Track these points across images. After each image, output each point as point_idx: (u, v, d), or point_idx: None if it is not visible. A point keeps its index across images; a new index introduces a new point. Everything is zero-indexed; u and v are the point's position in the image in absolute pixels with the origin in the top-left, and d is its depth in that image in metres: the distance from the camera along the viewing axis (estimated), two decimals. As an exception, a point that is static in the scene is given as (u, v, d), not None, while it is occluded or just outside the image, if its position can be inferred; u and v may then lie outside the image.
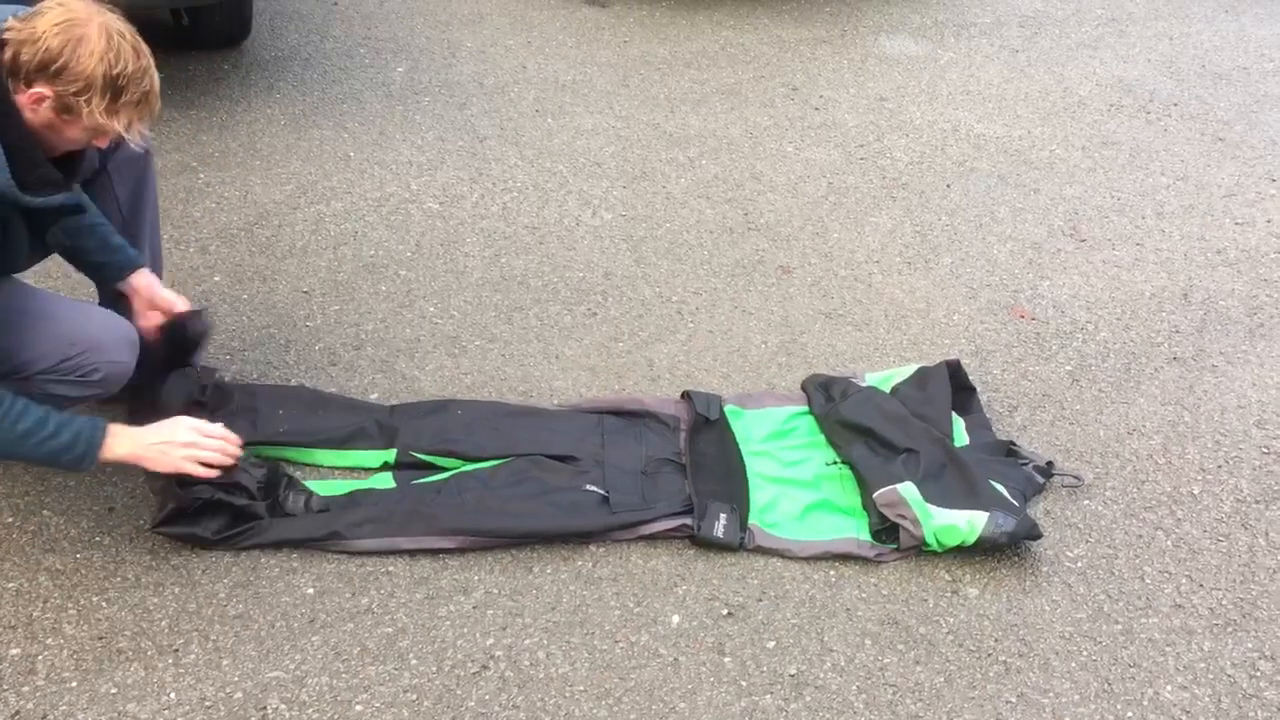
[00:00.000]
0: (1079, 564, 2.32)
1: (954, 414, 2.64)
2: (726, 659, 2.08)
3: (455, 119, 4.16)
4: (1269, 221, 3.74)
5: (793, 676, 2.05)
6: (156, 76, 1.93)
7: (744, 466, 2.48)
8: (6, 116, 1.82)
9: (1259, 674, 2.09)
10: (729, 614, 2.17)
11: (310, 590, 2.18)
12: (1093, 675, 2.07)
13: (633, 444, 2.54)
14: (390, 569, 2.23)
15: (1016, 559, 2.32)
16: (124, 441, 2.10)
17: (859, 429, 2.54)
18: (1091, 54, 5.17)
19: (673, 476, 2.45)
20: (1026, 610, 2.21)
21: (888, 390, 2.70)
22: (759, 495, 2.41)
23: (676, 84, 4.63)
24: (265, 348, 2.86)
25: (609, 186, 3.78)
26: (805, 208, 3.71)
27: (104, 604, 2.12)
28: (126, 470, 2.43)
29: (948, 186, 3.89)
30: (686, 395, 2.68)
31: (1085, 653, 2.12)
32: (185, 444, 2.15)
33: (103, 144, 1.99)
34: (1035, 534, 2.29)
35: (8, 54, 1.81)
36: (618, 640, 2.11)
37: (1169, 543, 2.39)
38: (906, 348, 3.01)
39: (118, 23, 1.86)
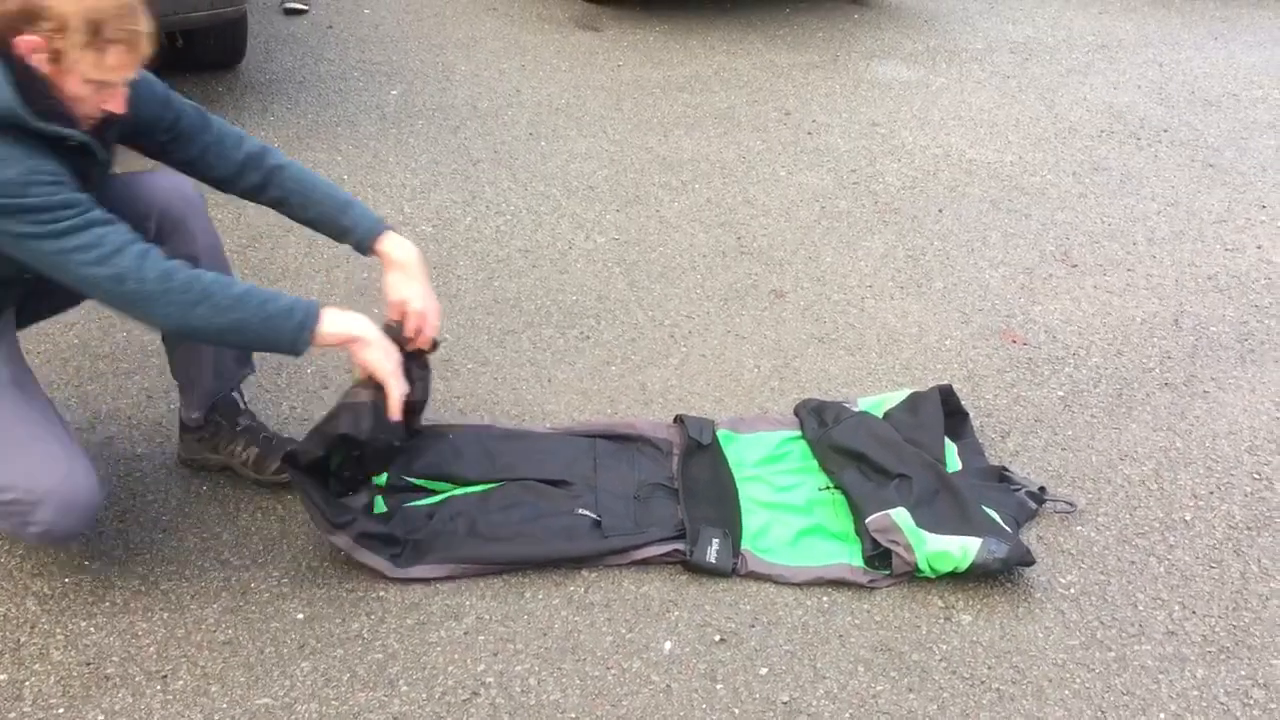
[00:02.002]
0: (1072, 590, 2.32)
1: (946, 439, 2.64)
2: (719, 686, 2.07)
3: (449, 142, 4.17)
4: (1259, 248, 3.76)
5: (785, 704, 2.04)
6: (145, 16, 1.84)
7: (736, 491, 2.48)
8: (9, 55, 1.77)
9: (1252, 702, 2.09)
10: (721, 640, 2.16)
11: (300, 615, 2.16)
12: (1086, 703, 2.06)
13: (625, 468, 2.53)
14: (381, 594, 2.22)
15: (1009, 585, 2.31)
16: (345, 320, 1.99)
17: (852, 454, 2.54)
18: (1082, 80, 5.21)
19: (665, 501, 2.45)
20: (1020, 637, 2.20)
21: (880, 415, 2.70)
22: (751, 520, 2.41)
23: (670, 108, 4.65)
24: (257, 370, 2.84)
25: (602, 210, 3.78)
26: (798, 232, 3.72)
27: (92, 629, 2.10)
28: (115, 495, 2.42)
29: (940, 211, 3.91)
30: (679, 419, 2.68)
31: (1079, 680, 2.11)
32: (395, 370, 2.06)
33: (118, 107, 1.89)
34: (1028, 560, 2.29)
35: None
36: (610, 666, 2.10)
37: (1161, 569, 2.39)
38: (899, 372, 3.01)
39: None
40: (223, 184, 2.19)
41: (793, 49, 5.44)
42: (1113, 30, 5.94)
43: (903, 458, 2.50)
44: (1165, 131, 4.66)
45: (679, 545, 2.32)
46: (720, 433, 2.65)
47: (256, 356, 2.70)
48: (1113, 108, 4.89)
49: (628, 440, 2.63)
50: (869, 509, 2.37)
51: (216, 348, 2.33)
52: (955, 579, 2.30)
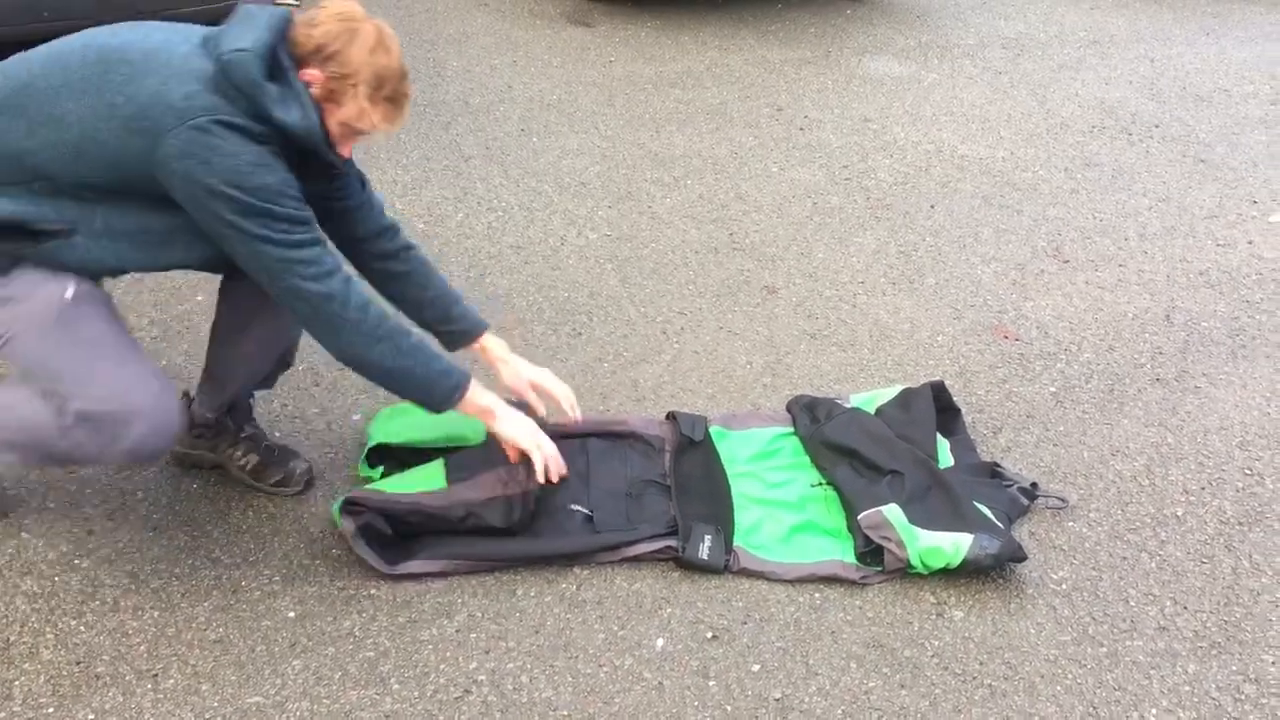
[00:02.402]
0: (1064, 586, 2.32)
1: (938, 435, 2.64)
2: (711, 683, 2.06)
3: (440, 138, 4.16)
4: (1250, 243, 3.76)
5: (778, 700, 2.04)
6: (411, 85, 2.03)
7: (729, 488, 2.47)
8: (300, 82, 1.93)
9: (1243, 697, 2.09)
10: (714, 637, 2.16)
11: (291, 614, 2.16)
12: (1078, 699, 2.07)
13: (617, 465, 2.53)
14: (372, 592, 2.21)
15: (1001, 581, 2.32)
16: (486, 394, 2.19)
17: (844, 450, 2.54)
18: (1074, 76, 5.21)
19: (657, 498, 2.44)
20: (1011, 633, 2.20)
21: (872, 411, 2.70)
22: (744, 517, 2.40)
23: (662, 104, 4.65)
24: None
25: (594, 206, 3.78)
26: (790, 228, 3.72)
27: (82, 628, 2.10)
28: (105, 493, 2.41)
29: (931, 207, 3.91)
30: (671, 416, 2.67)
31: (1070, 676, 2.11)
32: (535, 432, 2.25)
33: (346, 152, 2.05)
34: (1020, 556, 2.29)
35: (290, 35, 1.94)
36: (602, 664, 2.09)
37: (1153, 565, 2.39)
38: (891, 368, 3.01)
39: (388, 28, 2.00)
40: (359, 242, 2.30)
41: (785, 45, 5.44)
42: (1104, 26, 5.94)
43: (895, 454, 2.50)
44: (1157, 127, 4.66)
45: (671, 542, 2.32)
46: (713, 429, 2.64)
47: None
48: (1104, 103, 4.89)
49: (620, 437, 2.62)
50: (861, 505, 2.37)
51: (262, 355, 2.38)
52: (947, 575, 2.30)
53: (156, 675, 2.01)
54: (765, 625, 2.19)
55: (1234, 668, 2.15)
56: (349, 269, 2.09)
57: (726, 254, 3.54)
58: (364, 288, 2.06)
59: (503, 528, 2.28)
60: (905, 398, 2.72)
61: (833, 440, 2.56)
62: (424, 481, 2.32)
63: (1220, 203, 4.04)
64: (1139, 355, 3.13)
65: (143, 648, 2.06)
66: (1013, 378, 3.00)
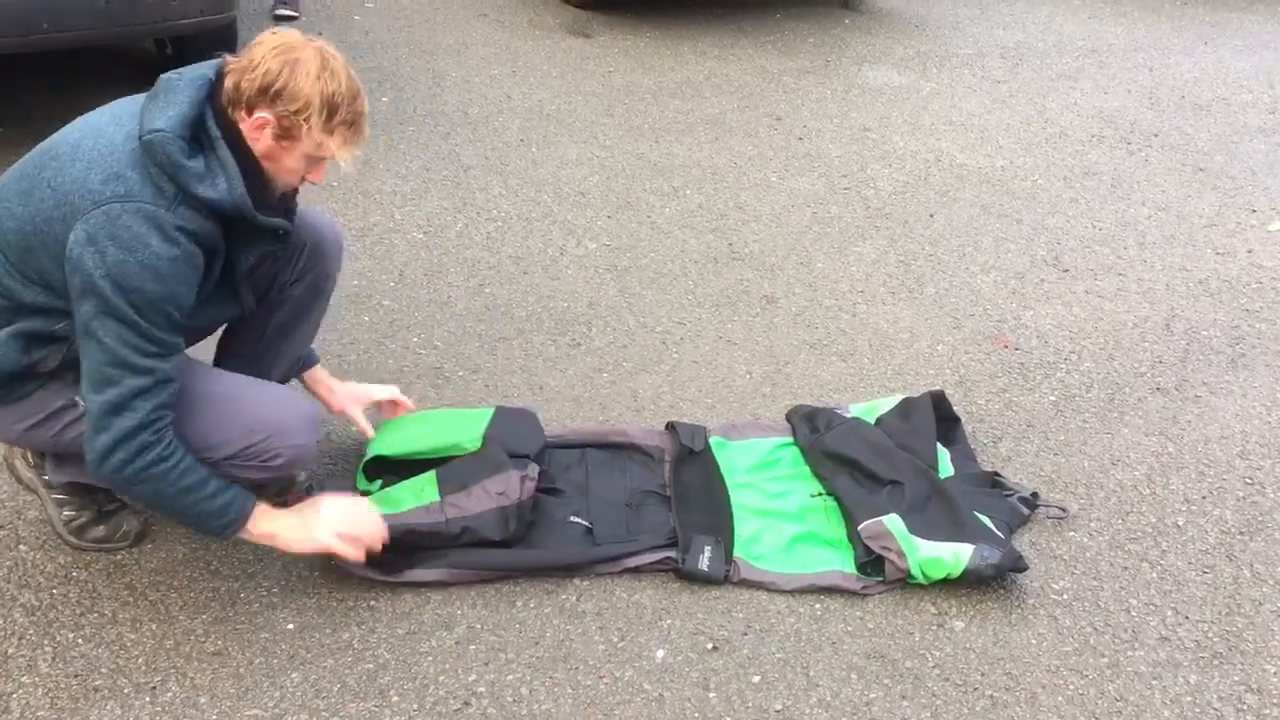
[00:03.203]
0: (1064, 596, 2.31)
1: (939, 445, 2.64)
2: (711, 694, 2.06)
3: (440, 148, 4.17)
4: (1250, 252, 3.76)
5: (778, 712, 2.03)
6: (366, 102, 1.98)
7: (729, 498, 2.47)
8: (234, 142, 1.89)
9: (1245, 707, 2.08)
10: (714, 648, 2.15)
11: (290, 626, 2.15)
12: (1079, 709, 2.06)
13: (617, 476, 2.53)
14: (372, 603, 2.21)
15: (1002, 591, 2.31)
16: (266, 520, 2.06)
17: (844, 460, 2.53)
18: (1072, 85, 5.22)
19: (657, 509, 2.44)
20: (1013, 643, 2.20)
21: (872, 421, 2.69)
22: (744, 528, 2.40)
23: (661, 114, 4.65)
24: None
25: (593, 216, 3.78)
26: (789, 237, 3.72)
27: (80, 641, 2.09)
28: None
29: (931, 216, 3.91)
30: (671, 426, 2.67)
31: (1072, 686, 2.10)
32: (334, 526, 2.12)
33: (316, 179, 2.01)
34: (1021, 566, 2.28)
35: (229, 83, 1.88)
36: (602, 675, 2.09)
37: (1154, 574, 2.38)
38: (891, 378, 3.01)
39: (329, 48, 1.94)
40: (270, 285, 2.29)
41: (783, 54, 5.45)
42: (1103, 35, 5.95)
43: (895, 464, 2.50)
44: (1155, 136, 4.67)
45: (671, 553, 2.31)
46: (712, 439, 2.64)
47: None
48: (1103, 112, 4.90)
49: (619, 448, 2.62)
50: (861, 515, 2.36)
51: (289, 359, 2.40)
52: (948, 585, 2.29)
53: (155, 688, 2.00)
54: (765, 636, 2.18)
55: (1236, 678, 2.14)
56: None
57: (726, 264, 3.54)
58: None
59: (499, 540, 2.27)
60: (905, 407, 2.72)
61: (833, 450, 2.55)
62: (415, 495, 2.31)
63: (1219, 211, 4.04)
64: (1139, 364, 3.13)
65: (141, 660, 2.06)
66: (1013, 387, 3.00)
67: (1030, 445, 2.76)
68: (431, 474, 2.36)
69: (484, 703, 2.02)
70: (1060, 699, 2.08)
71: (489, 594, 2.24)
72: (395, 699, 2.01)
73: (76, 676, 2.02)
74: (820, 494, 2.51)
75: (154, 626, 2.13)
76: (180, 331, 1.91)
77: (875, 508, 2.38)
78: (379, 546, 2.17)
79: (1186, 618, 2.28)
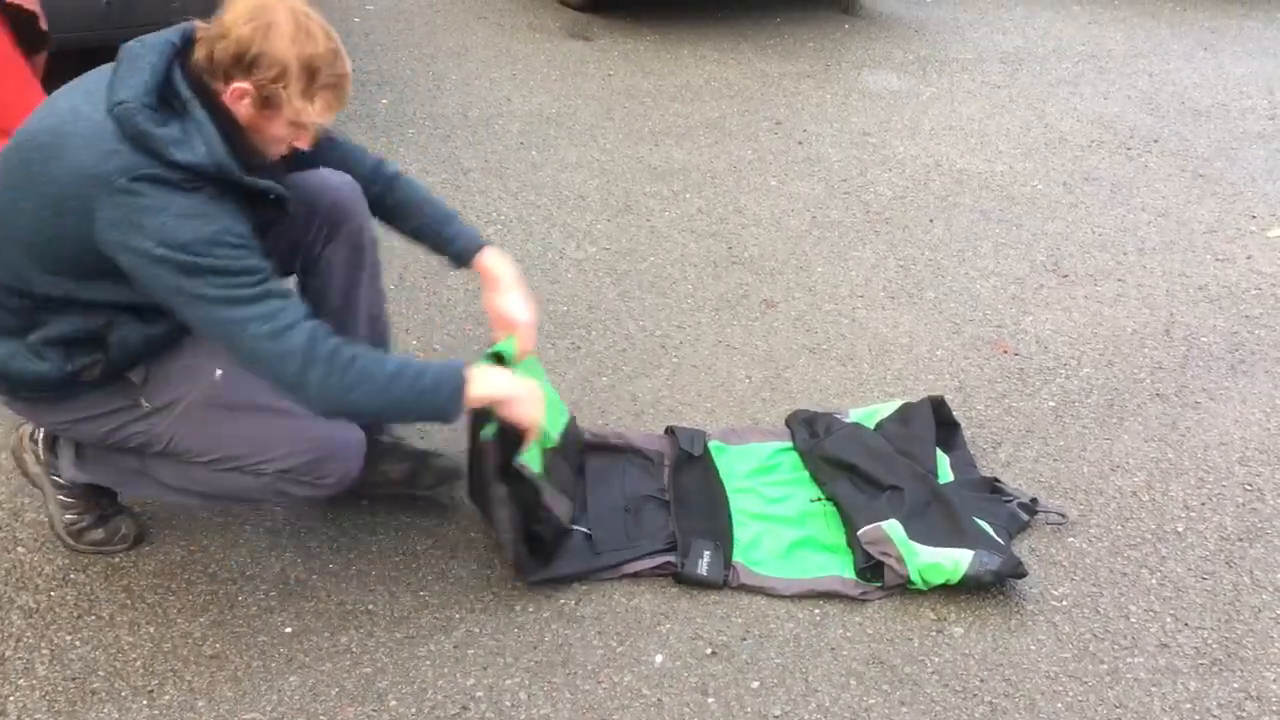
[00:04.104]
0: (1064, 602, 2.31)
1: (938, 450, 2.63)
2: (710, 700, 2.05)
3: (439, 151, 4.16)
4: (1249, 258, 3.76)
5: (777, 717, 2.03)
6: (348, 61, 1.90)
7: (728, 503, 2.46)
8: (211, 105, 1.81)
9: (1245, 714, 2.08)
10: (713, 653, 2.15)
11: (288, 629, 2.15)
12: (1079, 716, 2.05)
13: (616, 480, 2.52)
14: (370, 608, 2.20)
15: (1001, 597, 2.31)
16: (485, 379, 2.00)
17: (843, 465, 2.53)
18: (1072, 90, 5.22)
19: (656, 514, 2.43)
20: (1012, 649, 2.19)
21: (872, 426, 2.69)
22: (743, 532, 2.39)
23: (660, 117, 4.65)
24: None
25: (593, 220, 3.78)
26: (789, 242, 3.72)
27: (77, 643, 2.08)
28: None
29: (930, 221, 3.91)
30: (670, 430, 2.66)
31: (1071, 693, 2.10)
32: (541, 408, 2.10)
33: (303, 143, 1.93)
34: (1020, 572, 2.28)
35: (201, 53, 1.80)
36: (600, 680, 2.08)
37: (1154, 581, 2.38)
38: (890, 383, 3.00)
39: (302, 5, 1.84)
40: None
41: (783, 59, 5.45)
42: (1102, 40, 5.95)
43: (894, 469, 2.50)
44: (1155, 142, 4.67)
45: (670, 558, 2.31)
46: (711, 444, 2.64)
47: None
48: (1103, 118, 4.90)
49: (619, 452, 2.61)
50: (861, 521, 2.36)
51: (366, 316, 2.36)
52: (947, 591, 2.29)
53: (152, 691, 2.00)
54: (765, 641, 2.18)
55: (1235, 685, 2.14)
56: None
57: (725, 268, 3.54)
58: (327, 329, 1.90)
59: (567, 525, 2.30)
60: (905, 413, 2.71)
61: (832, 455, 2.55)
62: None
63: (1219, 217, 4.04)
64: (1138, 370, 3.12)
65: (139, 663, 2.05)
66: (1012, 392, 2.99)
67: (1030, 451, 2.76)
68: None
69: (482, 707, 2.01)
70: (1060, 705, 2.07)
71: (487, 598, 2.24)
72: (393, 703, 2.01)
73: (74, 679, 2.01)
74: (820, 499, 2.51)
75: (152, 629, 2.12)
76: (260, 255, 1.84)
77: (875, 513, 2.37)
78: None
79: (1186, 624, 2.27)
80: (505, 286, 2.26)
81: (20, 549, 2.30)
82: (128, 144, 1.74)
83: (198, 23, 1.85)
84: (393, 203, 2.27)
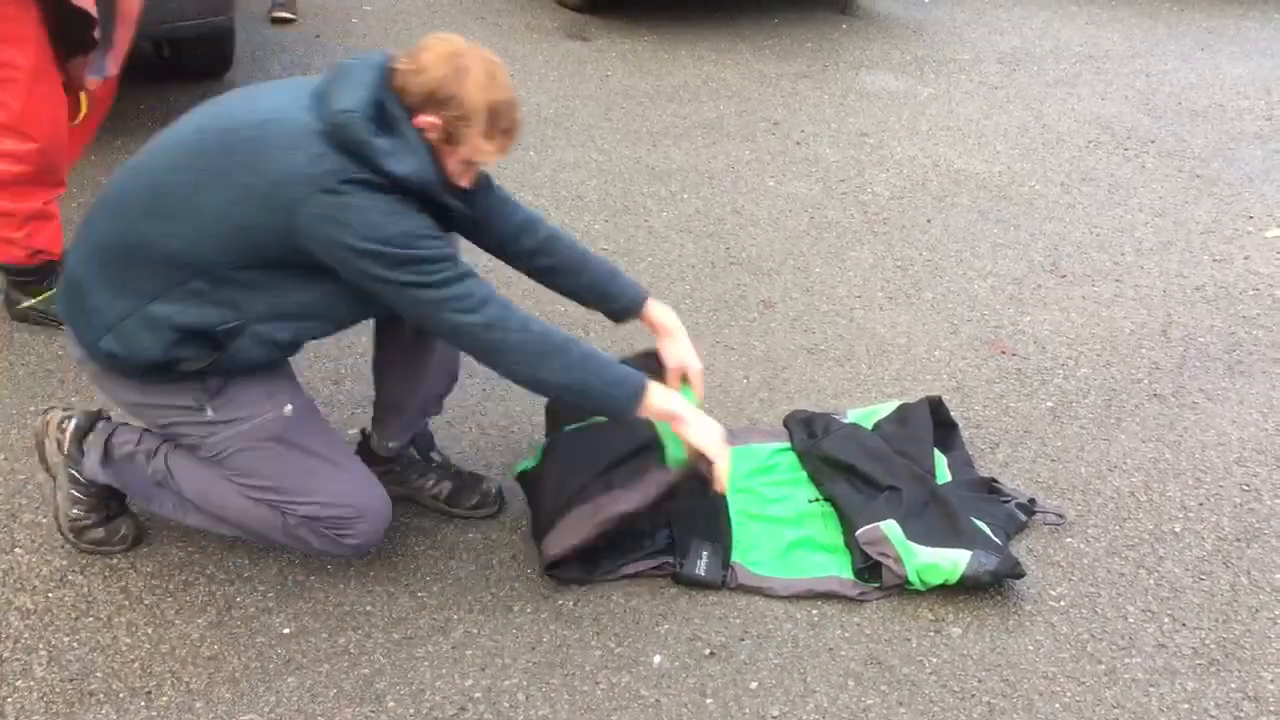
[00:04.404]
0: (1062, 603, 2.31)
1: (936, 450, 2.64)
2: (709, 700, 2.05)
3: (437, 152, 4.16)
4: (1247, 259, 3.76)
5: (775, 718, 2.03)
6: (521, 110, 2.06)
7: (726, 504, 2.46)
8: (412, 130, 1.95)
9: (1243, 715, 2.08)
10: (711, 654, 2.15)
11: (286, 630, 2.14)
12: (1076, 716, 2.06)
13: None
14: (368, 608, 2.20)
15: (999, 598, 2.31)
16: (667, 397, 2.11)
17: (841, 466, 2.53)
18: (1069, 91, 5.22)
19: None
20: (1009, 650, 2.19)
21: (870, 427, 2.69)
22: (741, 533, 2.39)
23: (658, 118, 4.65)
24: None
25: (591, 220, 3.78)
26: (786, 242, 3.72)
27: (75, 645, 2.08)
28: (100, 507, 2.40)
29: (928, 221, 3.91)
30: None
31: (1069, 694, 2.10)
32: (722, 438, 2.14)
33: (467, 181, 2.07)
34: (1018, 572, 2.28)
35: (396, 82, 1.95)
36: (598, 681, 2.08)
37: (1151, 581, 2.38)
38: (888, 383, 3.00)
39: (491, 56, 2.02)
40: (500, 244, 2.31)
41: (781, 59, 5.45)
42: (1099, 41, 5.96)
43: (892, 469, 2.50)
44: (1152, 142, 4.67)
45: (668, 559, 2.31)
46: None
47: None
48: (1100, 118, 4.90)
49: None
50: (859, 521, 2.36)
51: (435, 379, 2.40)
52: (945, 591, 2.29)
53: (150, 692, 2.00)
54: (763, 642, 2.18)
55: (1233, 685, 2.14)
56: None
57: (723, 268, 3.54)
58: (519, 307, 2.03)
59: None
60: (903, 413, 2.71)
61: (830, 456, 2.55)
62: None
63: (1216, 218, 4.04)
64: (1136, 370, 3.13)
65: (136, 665, 2.05)
66: (1010, 393, 3.00)
67: (1027, 451, 2.76)
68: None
69: (480, 708, 2.01)
70: (1057, 706, 2.08)
71: (485, 598, 2.24)
72: (391, 704, 2.01)
73: (71, 681, 2.01)
74: (818, 499, 2.51)
75: (149, 631, 2.12)
76: (446, 245, 1.98)
77: (873, 513, 2.37)
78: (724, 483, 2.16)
79: (1183, 624, 2.28)
80: (678, 335, 2.36)
81: (18, 550, 2.29)
82: (334, 149, 1.88)
83: (393, 53, 2.01)
84: (549, 264, 2.32)
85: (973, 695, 2.09)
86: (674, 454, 2.26)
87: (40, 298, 2.97)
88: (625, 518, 2.22)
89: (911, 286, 3.49)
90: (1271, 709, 2.09)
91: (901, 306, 3.38)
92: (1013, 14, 6.34)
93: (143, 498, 2.24)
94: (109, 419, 2.27)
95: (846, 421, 2.70)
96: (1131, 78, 5.43)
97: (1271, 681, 2.15)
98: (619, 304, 2.35)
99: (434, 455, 2.49)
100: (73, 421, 2.25)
